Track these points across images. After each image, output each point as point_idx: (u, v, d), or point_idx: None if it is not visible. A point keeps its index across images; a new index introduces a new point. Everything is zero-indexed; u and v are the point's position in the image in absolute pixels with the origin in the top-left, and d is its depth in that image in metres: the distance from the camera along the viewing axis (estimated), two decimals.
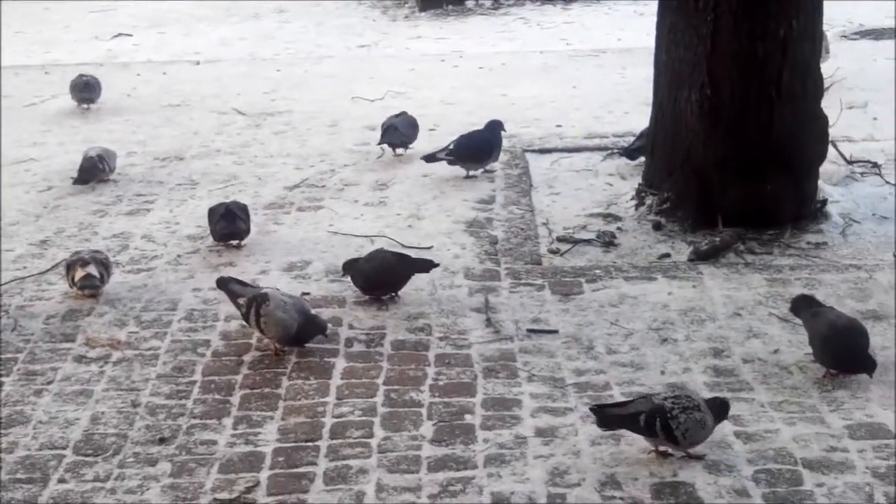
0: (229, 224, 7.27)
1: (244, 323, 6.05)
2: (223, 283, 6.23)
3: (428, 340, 6.10)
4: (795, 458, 4.95)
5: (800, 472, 4.86)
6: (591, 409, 5.19)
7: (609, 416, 5.07)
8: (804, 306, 5.93)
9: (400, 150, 9.07)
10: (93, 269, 6.56)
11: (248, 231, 7.35)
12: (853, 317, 5.95)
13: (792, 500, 4.66)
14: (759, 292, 6.61)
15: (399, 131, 9.04)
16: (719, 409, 5.04)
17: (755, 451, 5.01)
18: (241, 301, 5.99)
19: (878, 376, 5.63)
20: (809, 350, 5.88)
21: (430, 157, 8.61)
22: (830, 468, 4.88)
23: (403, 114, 9.23)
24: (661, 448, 5.00)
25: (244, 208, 7.46)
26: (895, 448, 5.01)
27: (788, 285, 6.69)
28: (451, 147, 8.62)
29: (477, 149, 8.65)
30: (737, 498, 4.68)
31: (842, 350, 5.62)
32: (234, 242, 7.31)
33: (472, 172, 8.66)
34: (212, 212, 7.40)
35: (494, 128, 8.75)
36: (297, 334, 5.90)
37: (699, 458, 4.97)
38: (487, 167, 8.72)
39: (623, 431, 5.15)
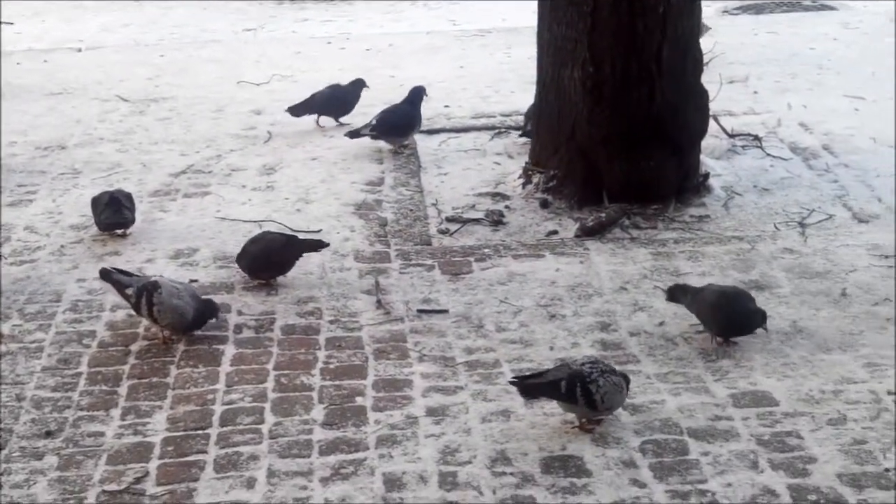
0: (114, 213, 7.17)
1: (133, 313, 5.97)
2: (106, 275, 6.13)
3: (318, 324, 6.08)
4: (681, 428, 5.03)
5: (686, 441, 4.95)
6: (511, 382, 5.25)
7: (530, 387, 5.12)
8: (680, 292, 5.99)
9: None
10: None
11: (133, 220, 7.25)
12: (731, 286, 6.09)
13: (678, 470, 4.74)
14: (644, 266, 6.70)
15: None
16: (625, 382, 5.13)
17: (642, 422, 5.09)
18: (130, 291, 5.91)
19: (761, 345, 5.76)
20: (694, 321, 5.98)
21: (354, 134, 8.68)
22: (715, 437, 4.97)
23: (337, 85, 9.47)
24: (583, 420, 5.06)
25: (129, 196, 7.36)
26: (779, 415, 5.13)
27: (673, 258, 6.80)
28: (374, 122, 8.67)
29: (399, 122, 8.75)
30: (624, 469, 4.75)
31: (735, 314, 5.74)
32: (120, 231, 7.21)
33: (396, 146, 8.75)
34: (95, 201, 7.28)
35: (415, 98, 8.82)
36: (193, 320, 5.85)
37: (596, 424, 5.06)
38: (408, 141, 8.83)
39: (513, 407, 5.21)
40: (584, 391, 4.96)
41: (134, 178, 8.26)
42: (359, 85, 9.50)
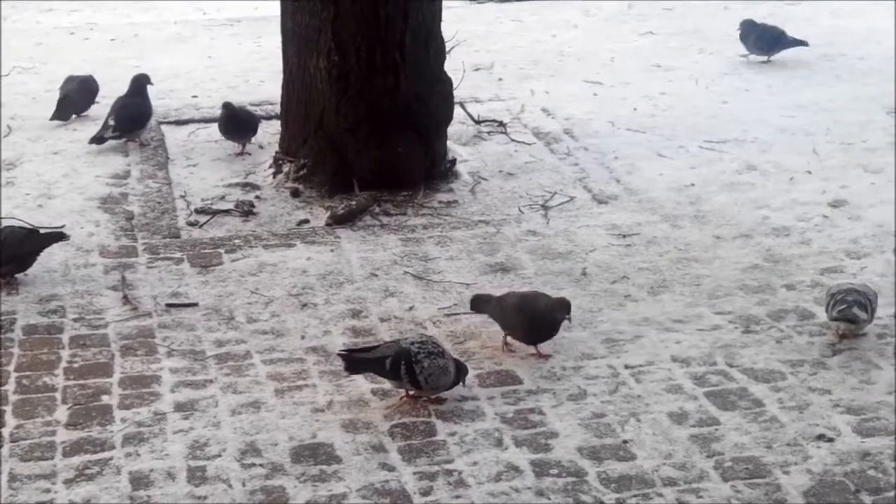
0: None
1: None
2: None
3: (62, 322, 5.93)
4: (430, 411, 5.13)
5: (433, 423, 5.04)
6: (338, 354, 5.28)
7: (356, 361, 5.16)
8: (483, 302, 5.80)
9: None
10: None
11: None
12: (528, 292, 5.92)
13: (426, 451, 4.83)
14: (394, 252, 6.79)
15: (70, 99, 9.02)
16: (463, 370, 5.21)
17: (391, 406, 5.17)
18: None
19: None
20: (443, 305, 6.11)
21: (99, 139, 8.42)
22: (462, 417, 5.09)
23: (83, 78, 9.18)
24: (411, 392, 5.13)
25: None
26: (522, 393, 5.28)
27: (422, 244, 6.91)
28: (112, 123, 8.43)
29: (138, 115, 8.59)
30: (374, 454, 4.80)
31: (538, 316, 5.59)
32: None
33: (140, 140, 8.57)
34: None
35: (141, 88, 8.62)
36: None
37: (440, 401, 5.14)
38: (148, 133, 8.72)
39: (263, 398, 5.21)
40: (408, 370, 5.04)
41: None
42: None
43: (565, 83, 10.21)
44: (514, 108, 9.45)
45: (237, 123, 8.50)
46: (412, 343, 5.16)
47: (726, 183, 7.86)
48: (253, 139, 8.54)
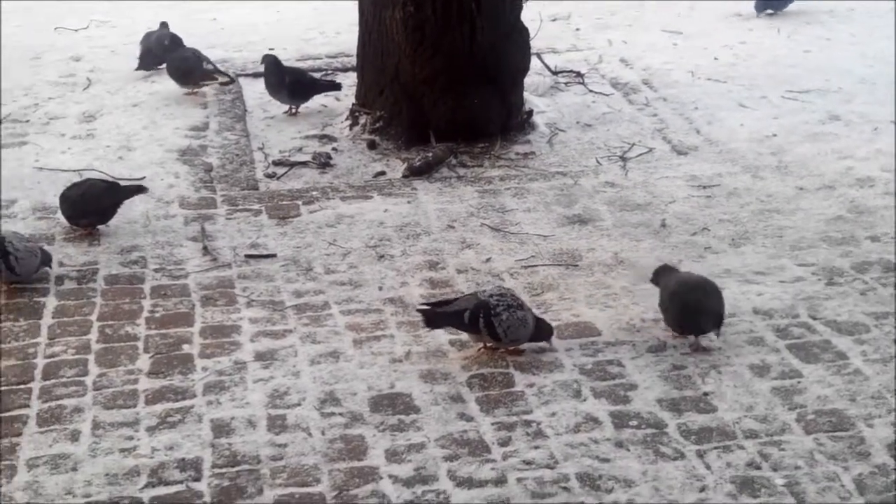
0: None
1: None
2: None
3: (143, 273, 5.99)
4: (507, 362, 5.11)
5: (511, 374, 5.02)
6: (417, 310, 5.29)
7: (435, 315, 5.16)
8: (663, 273, 5.47)
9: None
10: None
11: None
12: (700, 276, 5.47)
13: (504, 402, 4.82)
14: (471, 204, 6.77)
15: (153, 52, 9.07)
16: (546, 330, 5.15)
17: (469, 357, 5.16)
18: None
19: (584, 276, 5.88)
20: (520, 256, 6.09)
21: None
22: (540, 368, 5.06)
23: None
24: (488, 344, 5.12)
25: None
26: (601, 345, 5.25)
27: (499, 195, 6.88)
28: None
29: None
30: (452, 404, 4.80)
31: (688, 309, 5.20)
32: None
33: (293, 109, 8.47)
34: None
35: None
36: (42, 262, 5.80)
37: (519, 353, 5.12)
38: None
39: (341, 348, 5.23)
40: (486, 323, 5.03)
41: None
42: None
43: (643, 33, 10.09)
44: (592, 59, 9.36)
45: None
46: (490, 296, 5.13)
47: (809, 133, 7.74)
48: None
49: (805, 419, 4.66)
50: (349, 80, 8.69)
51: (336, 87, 8.40)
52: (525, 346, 5.18)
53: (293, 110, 8.33)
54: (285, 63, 8.45)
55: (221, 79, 8.65)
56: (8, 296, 5.71)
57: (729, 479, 4.32)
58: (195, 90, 8.62)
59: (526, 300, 5.52)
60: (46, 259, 5.85)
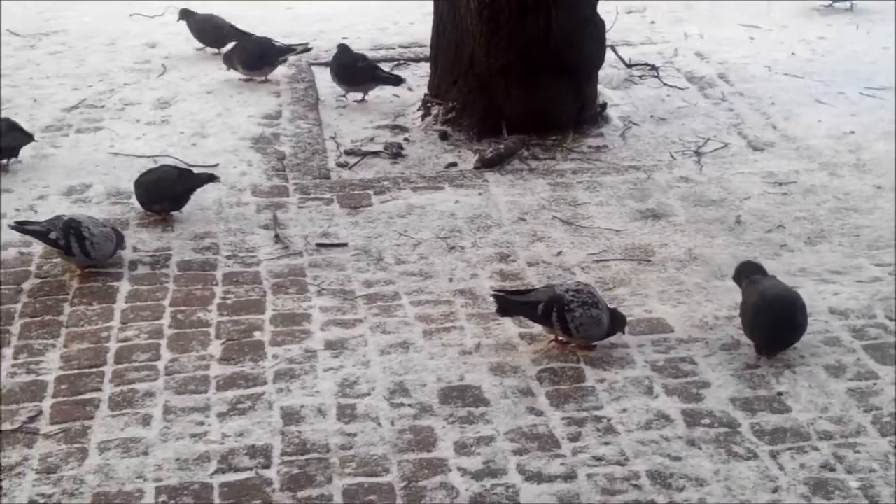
0: (22, 135, 7.17)
1: (59, 255, 5.82)
2: (20, 228, 5.90)
3: (215, 259, 6.01)
4: (578, 356, 5.07)
5: (582, 369, 4.99)
6: (492, 296, 5.26)
7: (508, 302, 5.14)
8: (745, 273, 5.29)
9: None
10: None
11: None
12: (784, 287, 5.22)
13: (574, 397, 4.78)
14: (542, 197, 6.73)
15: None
16: (619, 320, 5.11)
17: (539, 351, 5.13)
18: (54, 235, 5.73)
19: (656, 272, 5.82)
20: (592, 251, 6.04)
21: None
22: (611, 364, 5.02)
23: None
24: (560, 338, 5.10)
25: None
26: (673, 342, 5.19)
27: (571, 189, 6.83)
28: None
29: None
30: (521, 397, 4.78)
31: (768, 329, 5.01)
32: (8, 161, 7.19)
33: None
34: None
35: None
36: (116, 245, 5.88)
37: (591, 348, 5.10)
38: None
39: (411, 339, 5.22)
40: (559, 318, 5.00)
41: (24, 114, 8.05)
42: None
43: (720, 27, 9.98)
44: (667, 52, 9.27)
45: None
46: (567, 290, 5.08)
47: (887, 131, 7.60)
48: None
49: (881, 421, 4.58)
50: (422, 71, 8.69)
51: (398, 81, 8.36)
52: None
53: (363, 98, 8.33)
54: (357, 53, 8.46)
55: (299, 48, 8.68)
56: (82, 279, 5.77)
57: (802, 480, 4.26)
58: (267, 77, 8.65)
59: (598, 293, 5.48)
60: (120, 240, 5.91)
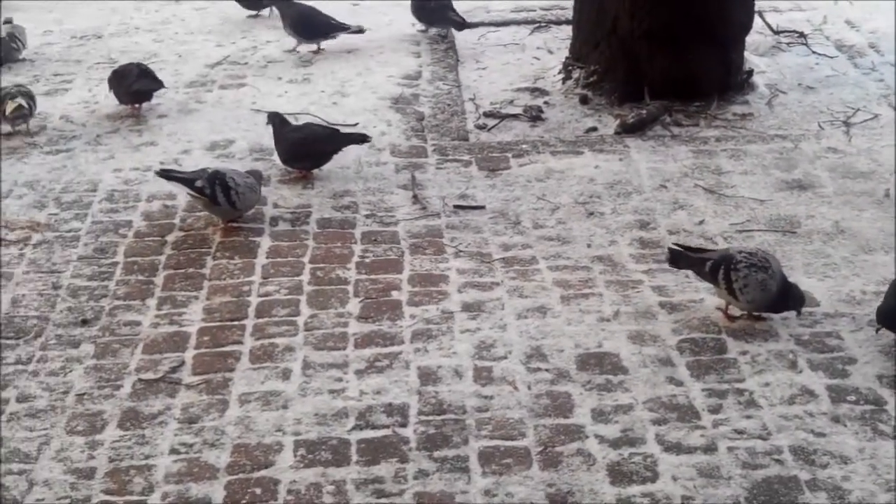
0: (152, 81, 7.29)
1: (201, 207, 5.93)
2: (166, 175, 6.02)
3: (354, 218, 6.04)
4: (719, 327, 4.98)
5: (724, 340, 4.89)
6: (669, 248, 5.24)
7: (679, 256, 5.12)
8: None
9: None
10: (21, 101, 6.87)
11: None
12: None
13: (715, 368, 4.70)
14: (684, 164, 6.61)
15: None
16: (795, 298, 4.96)
17: (680, 320, 5.04)
18: (200, 183, 5.81)
19: (802, 244, 5.68)
20: (735, 220, 5.92)
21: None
22: (754, 336, 4.92)
23: None
24: (729, 308, 5.02)
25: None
26: (819, 316, 5.06)
27: (714, 157, 6.70)
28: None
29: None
30: (661, 367, 4.71)
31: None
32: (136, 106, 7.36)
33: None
34: (120, 73, 7.30)
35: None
36: (258, 189, 6.02)
37: (732, 319, 5.01)
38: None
39: (549, 304, 5.18)
40: (725, 275, 4.92)
41: (170, 69, 8.18)
42: None
43: None
44: (816, 19, 9.02)
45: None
46: (740, 251, 4.99)
47: None
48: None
49: None
50: (563, 34, 8.60)
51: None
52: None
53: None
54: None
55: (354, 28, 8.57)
56: (224, 234, 5.84)
57: None
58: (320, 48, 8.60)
59: None
60: (258, 177, 6.02)
